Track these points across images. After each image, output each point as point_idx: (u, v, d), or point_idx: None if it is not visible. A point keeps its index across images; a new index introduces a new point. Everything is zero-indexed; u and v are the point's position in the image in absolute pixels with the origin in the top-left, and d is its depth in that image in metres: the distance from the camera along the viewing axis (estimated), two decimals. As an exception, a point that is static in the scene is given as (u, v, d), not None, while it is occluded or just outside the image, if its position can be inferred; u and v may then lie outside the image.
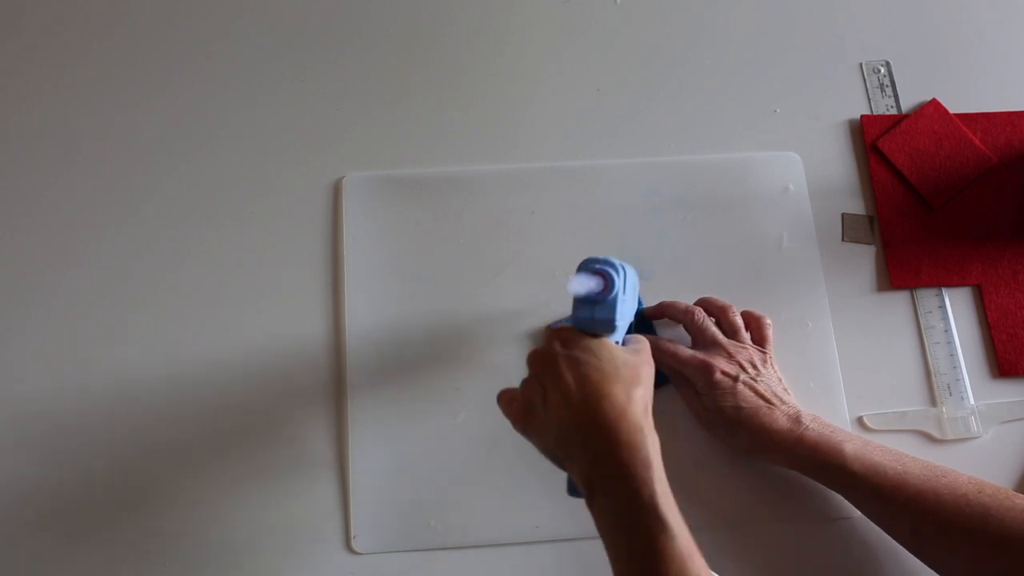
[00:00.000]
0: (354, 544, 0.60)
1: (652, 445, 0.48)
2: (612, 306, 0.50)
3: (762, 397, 0.57)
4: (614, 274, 0.50)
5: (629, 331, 0.61)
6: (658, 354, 0.60)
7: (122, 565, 0.60)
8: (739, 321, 0.62)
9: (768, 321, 0.62)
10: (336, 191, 0.70)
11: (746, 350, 0.60)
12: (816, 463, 0.55)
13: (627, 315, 0.54)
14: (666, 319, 0.64)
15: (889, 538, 0.56)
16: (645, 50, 0.75)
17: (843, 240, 0.69)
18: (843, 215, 0.70)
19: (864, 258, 0.69)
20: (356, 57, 0.75)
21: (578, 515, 0.57)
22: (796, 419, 0.56)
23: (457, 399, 0.64)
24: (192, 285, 0.67)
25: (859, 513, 0.58)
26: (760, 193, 0.70)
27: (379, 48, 0.75)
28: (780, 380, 0.60)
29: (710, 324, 0.61)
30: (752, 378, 0.58)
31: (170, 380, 0.64)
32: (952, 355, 0.66)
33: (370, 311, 0.66)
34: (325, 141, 0.72)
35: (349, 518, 0.61)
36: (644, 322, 0.65)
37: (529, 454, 0.57)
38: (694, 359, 0.59)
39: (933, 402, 0.65)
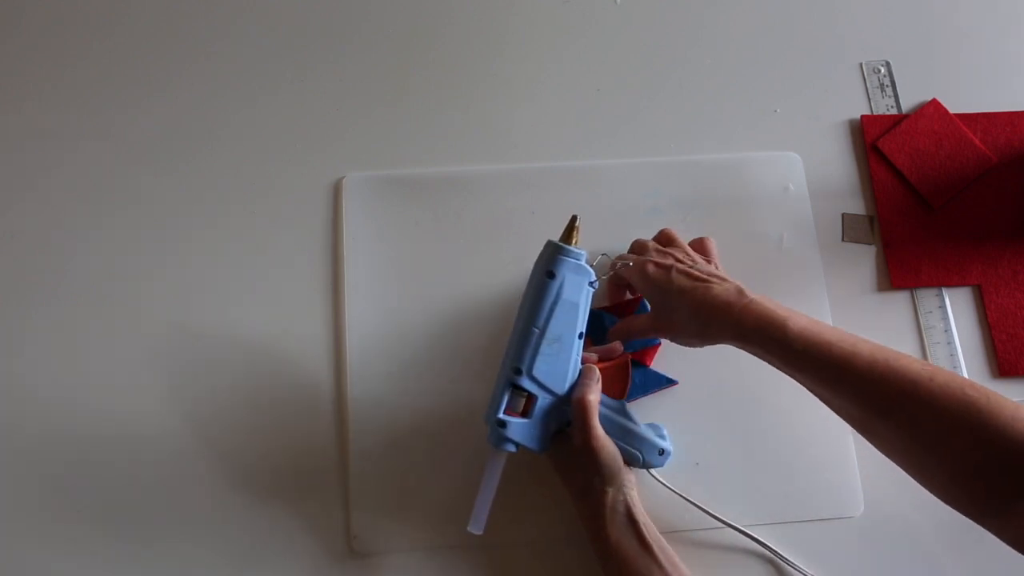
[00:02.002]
0: (354, 544, 0.61)
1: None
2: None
3: (698, 279, 0.57)
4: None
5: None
6: (617, 266, 0.62)
7: (122, 566, 0.60)
8: (674, 234, 0.63)
9: (710, 238, 0.63)
10: (336, 191, 0.70)
11: (680, 249, 0.61)
12: (762, 336, 0.53)
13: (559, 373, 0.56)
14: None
15: (890, 538, 0.56)
16: (645, 50, 0.75)
17: (843, 240, 0.69)
18: (843, 215, 0.70)
19: (864, 258, 0.69)
20: (356, 57, 0.75)
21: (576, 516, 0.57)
22: (739, 291, 0.55)
23: (457, 399, 0.64)
24: (191, 285, 0.67)
25: (860, 513, 0.57)
26: (760, 193, 0.70)
27: (379, 48, 0.75)
28: (719, 268, 0.60)
29: (647, 241, 0.63)
30: (687, 267, 0.58)
31: (170, 380, 0.64)
32: (952, 355, 0.66)
33: (370, 311, 0.66)
34: (325, 141, 0.72)
35: (349, 518, 0.61)
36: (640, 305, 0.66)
37: (529, 455, 0.57)
38: (627, 262, 0.60)
39: (933, 402, 0.65)
